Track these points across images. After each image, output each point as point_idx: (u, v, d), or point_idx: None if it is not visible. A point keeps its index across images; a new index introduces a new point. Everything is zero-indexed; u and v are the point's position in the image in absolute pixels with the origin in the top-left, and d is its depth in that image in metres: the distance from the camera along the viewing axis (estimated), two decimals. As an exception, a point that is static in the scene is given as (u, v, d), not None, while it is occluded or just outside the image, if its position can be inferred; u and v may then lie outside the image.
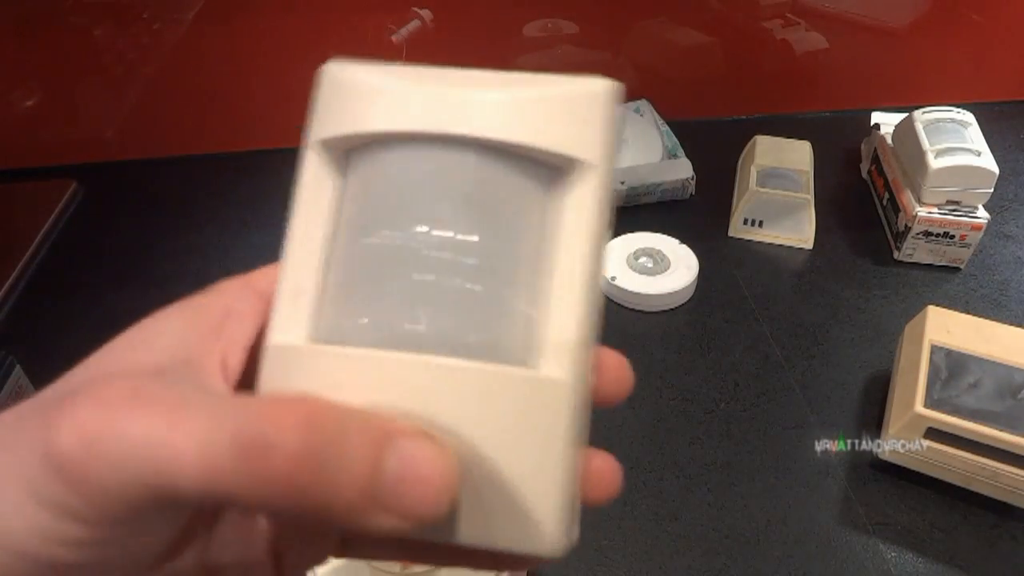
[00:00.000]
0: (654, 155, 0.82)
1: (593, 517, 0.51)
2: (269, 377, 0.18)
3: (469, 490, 0.17)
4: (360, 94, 0.18)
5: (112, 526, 0.15)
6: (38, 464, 0.15)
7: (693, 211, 0.80)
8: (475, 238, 0.18)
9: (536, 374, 0.18)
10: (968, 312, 0.55)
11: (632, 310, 0.68)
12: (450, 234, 0.18)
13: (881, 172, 0.79)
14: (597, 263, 0.19)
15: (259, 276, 0.21)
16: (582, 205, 0.19)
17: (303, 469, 0.14)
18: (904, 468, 0.52)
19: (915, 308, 0.58)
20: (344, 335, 0.18)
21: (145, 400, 0.15)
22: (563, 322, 0.18)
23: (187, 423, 0.14)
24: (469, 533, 0.17)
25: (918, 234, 0.70)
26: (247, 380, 0.19)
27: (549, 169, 0.19)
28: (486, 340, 0.18)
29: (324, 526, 0.18)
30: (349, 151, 0.19)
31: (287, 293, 0.19)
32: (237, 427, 0.14)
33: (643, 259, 0.70)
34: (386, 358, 0.17)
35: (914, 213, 0.69)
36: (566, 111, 0.18)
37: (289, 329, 0.18)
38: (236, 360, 0.18)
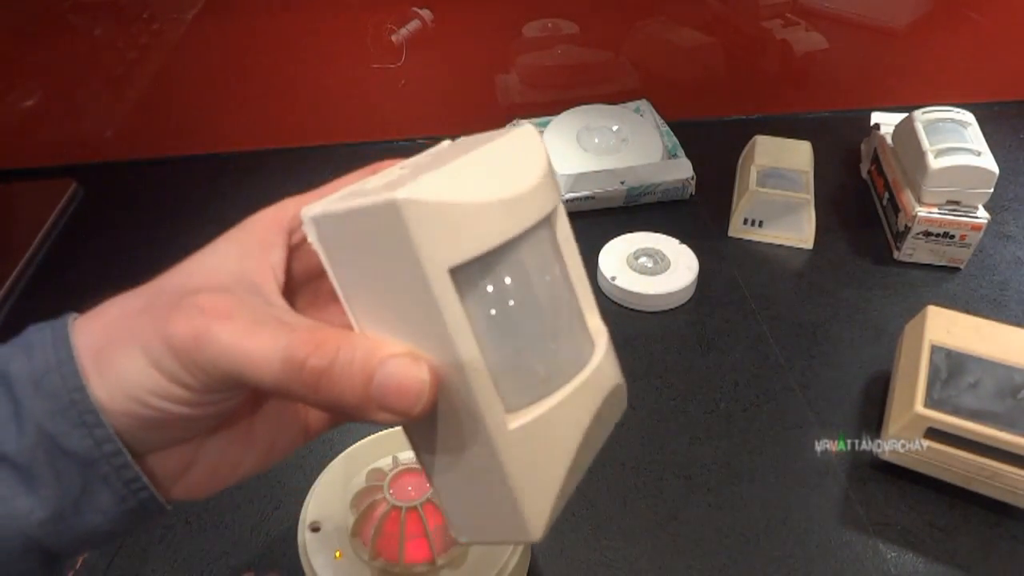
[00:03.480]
0: (654, 155, 0.82)
1: (593, 517, 0.51)
2: (521, 453, 0.24)
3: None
4: (459, 219, 0.21)
5: (203, 392, 0.23)
6: (159, 344, 0.22)
7: (693, 211, 0.80)
8: (564, 293, 0.26)
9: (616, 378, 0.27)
10: (968, 312, 0.55)
11: (632, 310, 0.68)
12: (555, 297, 0.25)
13: (881, 172, 0.79)
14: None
15: (283, 211, 0.27)
16: (567, 235, 0.26)
17: (322, 380, 0.21)
18: (904, 468, 0.52)
19: (915, 308, 0.58)
20: (523, 399, 0.24)
21: (231, 316, 0.22)
22: (595, 321, 0.28)
23: (258, 339, 0.21)
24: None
25: (918, 234, 0.70)
26: (289, 287, 0.26)
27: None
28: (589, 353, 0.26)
29: (349, 418, 0.25)
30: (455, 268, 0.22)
31: (488, 392, 0.23)
32: (286, 346, 0.21)
33: (643, 259, 0.70)
34: (556, 400, 0.24)
35: (914, 213, 0.69)
36: (551, 173, 0.25)
37: (502, 416, 0.23)
38: (280, 275, 0.26)
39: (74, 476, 0.23)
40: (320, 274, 0.27)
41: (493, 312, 0.23)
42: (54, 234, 0.80)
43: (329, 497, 0.47)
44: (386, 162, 0.28)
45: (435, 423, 0.24)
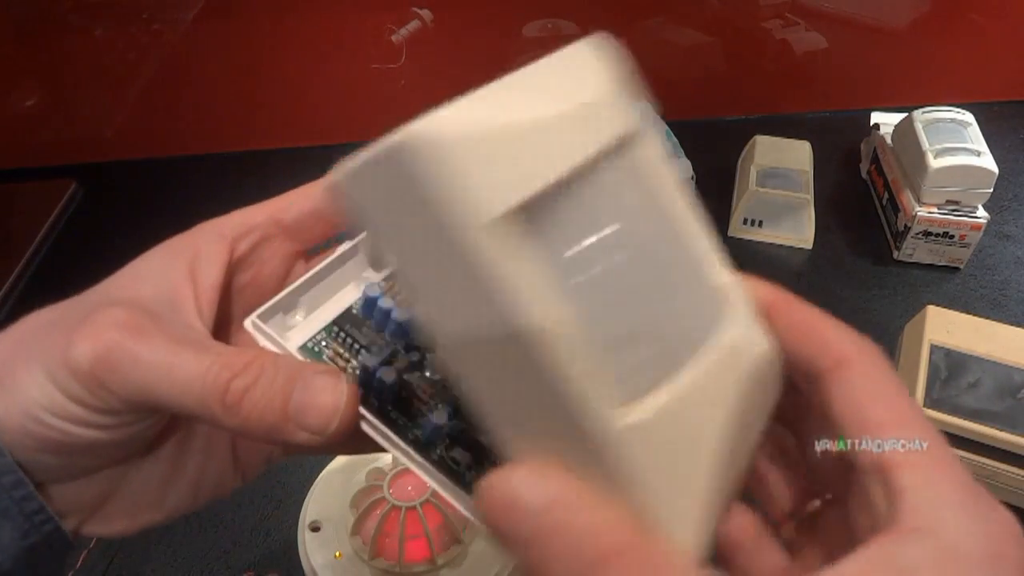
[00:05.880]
0: (654, 155, 0.82)
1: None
2: (645, 457, 0.18)
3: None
4: (493, 155, 0.16)
5: (106, 414, 0.21)
6: (59, 364, 0.20)
7: (693, 211, 0.80)
8: (668, 239, 0.20)
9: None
10: (968, 312, 0.55)
11: (632, 310, 0.68)
12: (654, 245, 0.20)
13: (881, 172, 0.79)
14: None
15: (227, 221, 0.25)
16: (662, 167, 0.21)
17: (244, 401, 0.20)
18: (904, 468, 0.52)
19: (915, 308, 0.58)
20: (641, 389, 0.18)
21: (146, 333, 0.20)
22: (721, 272, 0.22)
23: (180, 357, 0.20)
24: None
25: (918, 234, 0.70)
26: (220, 313, 0.24)
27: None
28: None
29: (267, 440, 0.24)
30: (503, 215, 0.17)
31: (587, 380, 0.17)
32: (210, 366, 0.20)
33: (643, 259, 0.70)
34: (683, 382, 0.19)
35: (914, 213, 0.69)
36: (621, 90, 0.21)
37: (609, 410, 0.17)
38: (208, 297, 0.23)
39: None
40: (267, 291, 0.26)
41: (575, 271, 0.18)
42: (54, 234, 0.80)
43: (329, 497, 0.48)
44: None
45: (535, 426, 0.18)
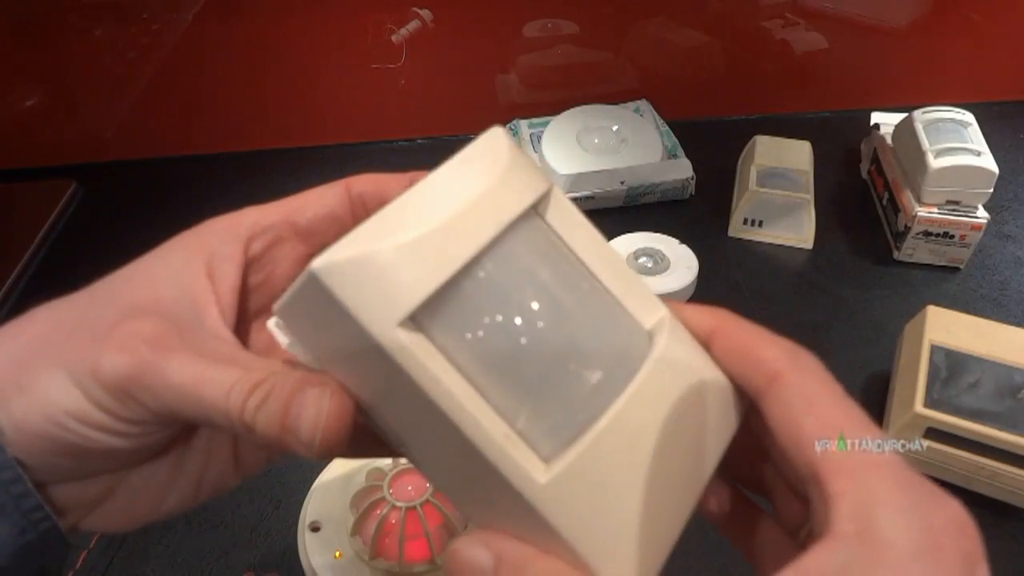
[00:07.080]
0: (654, 155, 0.82)
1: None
2: (572, 505, 0.19)
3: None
4: (391, 266, 0.19)
5: (131, 423, 0.21)
6: (87, 374, 0.20)
7: (693, 211, 0.80)
8: (582, 291, 0.22)
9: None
10: (968, 312, 0.55)
11: (632, 310, 0.68)
12: (568, 301, 0.21)
13: (881, 172, 0.79)
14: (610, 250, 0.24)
15: (243, 217, 0.25)
16: (575, 220, 0.23)
17: (258, 416, 0.20)
18: (904, 468, 0.52)
19: (915, 308, 0.58)
20: (560, 443, 0.20)
21: (175, 350, 0.21)
22: (649, 310, 0.23)
23: (208, 374, 0.21)
24: None
25: (918, 234, 0.70)
26: (244, 305, 0.25)
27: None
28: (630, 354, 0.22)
29: (277, 450, 0.25)
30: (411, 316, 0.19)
31: (500, 449, 0.19)
32: (233, 385, 0.21)
33: (643, 259, 0.70)
34: (601, 427, 0.20)
35: (914, 213, 0.69)
36: (516, 169, 0.22)
37: (530, 469, 0.19)
38: (228, 300, 0.24)
39: None
40: (278, 293, 0.25)
41: (482, 349, 0.20)
42: (54, 234, 0.80)
43: (329, 497, 0.48)
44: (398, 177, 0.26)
45: (477, 494, 0.21)
